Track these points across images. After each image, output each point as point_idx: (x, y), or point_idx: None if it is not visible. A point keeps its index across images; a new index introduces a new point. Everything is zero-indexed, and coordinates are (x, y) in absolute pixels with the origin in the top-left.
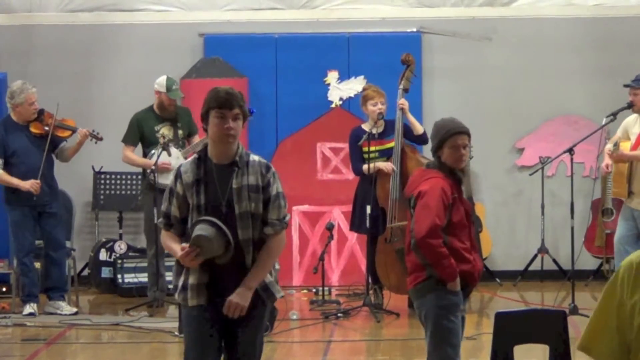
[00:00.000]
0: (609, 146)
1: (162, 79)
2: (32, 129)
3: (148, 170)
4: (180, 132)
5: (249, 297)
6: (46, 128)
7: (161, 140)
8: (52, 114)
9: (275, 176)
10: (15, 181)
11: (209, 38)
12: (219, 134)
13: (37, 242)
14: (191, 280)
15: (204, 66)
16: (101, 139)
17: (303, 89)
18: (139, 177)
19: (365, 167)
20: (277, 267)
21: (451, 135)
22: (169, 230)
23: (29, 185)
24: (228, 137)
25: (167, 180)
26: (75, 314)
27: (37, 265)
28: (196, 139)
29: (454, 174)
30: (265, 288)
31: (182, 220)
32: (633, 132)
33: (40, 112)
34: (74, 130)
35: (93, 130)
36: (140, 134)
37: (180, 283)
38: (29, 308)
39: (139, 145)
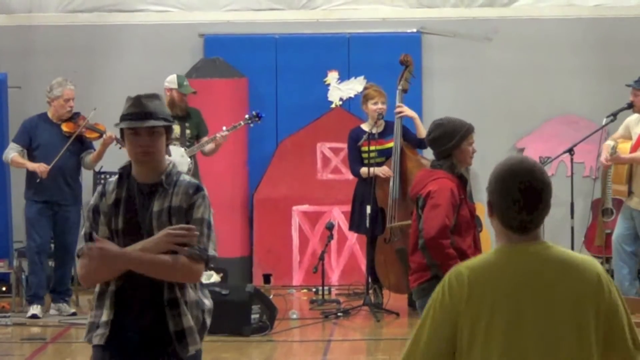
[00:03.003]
0: (609, 142)
1: (173, 77)
2: (64, 128)
3: None
4: (188, 131)
5: (119, 253)
6: (77, 129)
7: None
8: (86, 117)
9: (205, 200)
10: (23, 160)
11: (209, 38)
12: (132, 154)
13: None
14: (104, 317)
15: (204, 66)
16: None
17: (303, 89)
18: None
19: (363, 170)
20: (208, 305)
21: (470, 132)
22: None
23: (37, 166)
24: (144, 157)
25: None
26: (74, 314)
27: (50, 263)
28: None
29: (460, 174)
30: (180, 334)
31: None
32: (635, 132)
33: (76, 114)
34: (101, 134)
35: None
36: None
37: (91, 320)
38: (33, 309)
39: None
